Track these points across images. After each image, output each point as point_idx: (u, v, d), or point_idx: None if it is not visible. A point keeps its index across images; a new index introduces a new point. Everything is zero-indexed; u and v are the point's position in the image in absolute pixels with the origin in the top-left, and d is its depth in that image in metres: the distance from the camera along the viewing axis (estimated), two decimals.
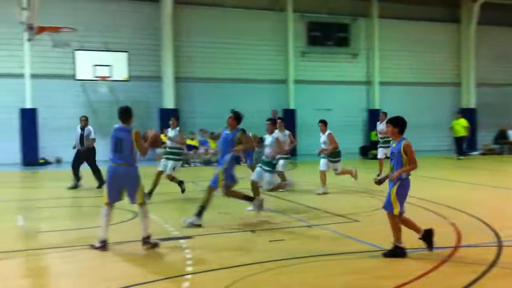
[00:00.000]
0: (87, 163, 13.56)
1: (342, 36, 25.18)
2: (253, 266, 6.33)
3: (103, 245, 7.21)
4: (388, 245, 7.17)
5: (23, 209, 10.93)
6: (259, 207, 9.43)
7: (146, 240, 7.28)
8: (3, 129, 20.10)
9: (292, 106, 23.61)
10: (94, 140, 13.68)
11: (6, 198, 12.32)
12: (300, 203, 11.05)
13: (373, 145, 21.05)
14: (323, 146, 12.75)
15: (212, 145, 20.39)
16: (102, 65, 19.83)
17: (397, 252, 6.74)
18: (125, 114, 7.55)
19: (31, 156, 19.93)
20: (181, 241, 7.66)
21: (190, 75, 22.67)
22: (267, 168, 10.64)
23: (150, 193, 11.27)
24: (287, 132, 12.95)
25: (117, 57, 20.18)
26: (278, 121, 12.70)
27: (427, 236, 6.80)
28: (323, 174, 12.51)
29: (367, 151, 22.56)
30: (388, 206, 6.81)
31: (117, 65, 20.04)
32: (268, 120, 12.06)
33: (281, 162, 12.51)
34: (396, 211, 6.72)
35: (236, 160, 9.51)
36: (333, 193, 12.57)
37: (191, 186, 13.92)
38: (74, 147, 13.72)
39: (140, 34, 21.86)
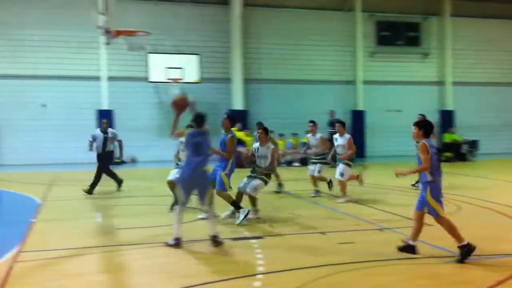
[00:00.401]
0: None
1: (412, 35, 24.66)
2: (323, 268, 6.36)
3: (177, 243, 7.48)
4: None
5: (101, 207, 11.42)
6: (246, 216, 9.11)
7: (214, 239, 7.58)
8: (81, 130, 21.04)
9: (360, 107, 23.36)
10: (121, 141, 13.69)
11: (84, 196, 12.90)
12: (370, 206, 10.95)
13: (446, 147, 20.50)
14: (339, 150, 11.72)
15: (281, 146, 20.48)
16: (174, 68, 20.38)
17: (464, 251, 6.61)
18: (201, 119, 7.99)
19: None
20: (252, 241, 7.79)
21: (258, 76, 22.91)
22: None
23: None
24: (318, 135, 12.37)
25: (188, 60, 20.69)
26: (310, 124, 12.20)
27: (467, 251, 6.64)
28: (342, 183, 11.55)
29: (440, 153, 21.98)
30: (432, 212, 6.78)
31: (188, 68, 20.55)
32: (311, 122, 12.17)
33: (311, 167, 12.35)
34: (441, 213, 6.77)
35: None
36: (403, 195, 12.36)
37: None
38: (91, 150, 13.43)
39: (210, 36, 22.31)
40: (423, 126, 6.87)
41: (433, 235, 8.21)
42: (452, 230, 6.79)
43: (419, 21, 24.64)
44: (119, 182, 13.53)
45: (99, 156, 13.37)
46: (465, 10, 24.72)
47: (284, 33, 23.09)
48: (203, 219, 8.91)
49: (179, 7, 22.05)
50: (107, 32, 13.96)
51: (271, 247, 7.50)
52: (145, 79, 20.63)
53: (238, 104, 21.88)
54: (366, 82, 23.71)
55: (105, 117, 20.69)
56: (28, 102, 20.88)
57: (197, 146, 7.73)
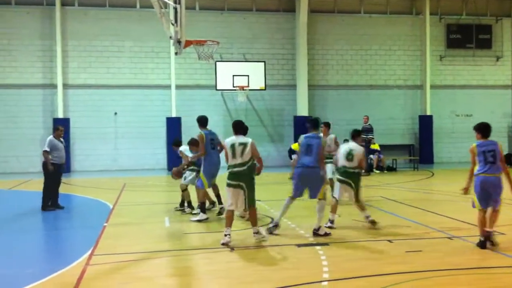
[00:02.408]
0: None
1: (483, 37, 23.84)
2: (389, 276, 6.28)
3: (275, 225, 8.69)
4: None
5: (169, 212, 11.73)
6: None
7: (315, 232, 8.48)
8: (152, 137, 21.74)
9: (428, 112, 22.80)
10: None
11: (154, 201, 13.30)
12: (438, 213, 10.68)
13: None
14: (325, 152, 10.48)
15: None
16: (241, 75, 20.66)
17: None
18: (315, 123, 8.97)
19: (177, 162, 21.23)
20: (317, 247, 7.78)
21: (323, 82, 22.83)
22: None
23: None
24: (332, 136, 11.70)
25: (254, 67, 20.93)
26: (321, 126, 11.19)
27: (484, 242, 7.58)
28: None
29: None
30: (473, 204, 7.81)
31: (254, 75, 20.77)
32: (324, 123, 11.66)
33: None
34: (477, 206, 7.76)
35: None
36: (466, 202, 11.95)
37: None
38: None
39: (276, 44, 22.47)
40: (479, 130, 8.06)
41: (506, 244, 7.94)
42: (491, 221, 7.68)
43: (491, 23, 23.82)
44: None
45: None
46: None
47: (350, 39, 22.92)
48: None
49: (246, 16, 22.35)
50: (178, 42, 14.33)
51: (336, 254, 7.47)
52: (213, 87, 21.03)
53: (302, 110, 21.89)
54: (434, 87, 23.13)
55: (173, 124, 21.40)
56: (102, 110, 21.74)
57: (308, 147, 8.57)
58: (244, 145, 8.35)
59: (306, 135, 8.81)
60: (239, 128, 8.62)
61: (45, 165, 11.62)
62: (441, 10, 23.32)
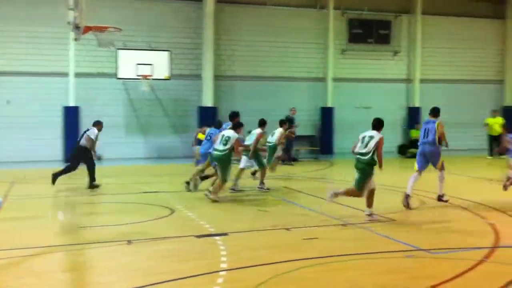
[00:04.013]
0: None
1: (383, 33, 24.84)
2: (286, 263, 6.38)
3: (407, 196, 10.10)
4: (424, 245, 7.14)
5: (64, 205, 11.25)
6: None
7: (440, 199, 10.43)
8: (47, 127, 20.69)
9: (330, 104, 23.48)
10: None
11: (49, 194, 12.69)
12: (336, 202, 11.00)
13: (413, 144, 20.76)
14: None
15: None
16: (144, 64, 20.15)
17: None
18: (437, 111, 11.26)
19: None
20: (217, 237, 7.77)
21: (230, 73, 22.82)
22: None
23: None
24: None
25: (159, 56, 20.47)
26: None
27: None
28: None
29: (406, 149, 22.24)
30: None
31: (158, 64, 20.33)
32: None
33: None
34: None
35: None
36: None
37: (228, 183, 14.04)
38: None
39: (182, 33, 22.11)
40: None
41: (396, 230, 8.33)
42: None
43: (390, 19, 24.86)
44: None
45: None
46: (435, 9, 24.95)
47: (257, 30, 23.02)
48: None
49: (151, 3, 21.82)
50: (77, 27, 13.69)
51: (235, 243, 7.50)
52: (114, 75, 20.37)
53: (208, 100, 21.74)
54: (336, 79, 23.79)
55: (71, 114, 20.52)
56: None
57: (426, 130, 10.66)
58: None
59: (426, 120, 11.26)
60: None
61: None
62: (344, 5, 23.96)
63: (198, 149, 14.03)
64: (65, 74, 20.63)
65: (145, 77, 20.08)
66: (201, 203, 10.94)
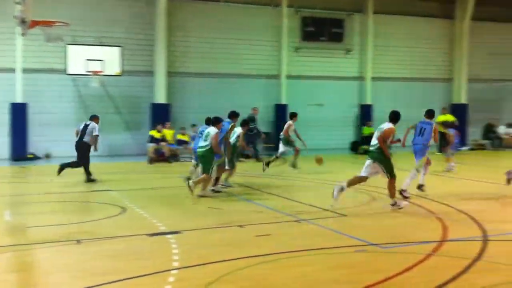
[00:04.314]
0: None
1: (336, 31, 25.11)
2: (239, 260, 6.36)
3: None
4: (375, 240, 7.24)
5: (11, 204, 10.89)
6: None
7: (402, 193, 10.62)
8: None
9: (284, 101, 23.58)
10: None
11: None
12: (289, 198, 11.06)
13: (364, 140, 21.09)
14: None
15: None
16: (95, 60, 19.72)
17: None
18: (432, 113, 11.97)
19: (20, 151, 19.80)
20: (168, 236, 7.66)
21: (183, 70, 22.60)
22: None
23: None
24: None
25: (110, 52, 20.08)
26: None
27: None
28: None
29: (358, 146, 22.59)
30: None
31: (109, 60, 19.94)
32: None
33: None
34: None
35: None
36: (320, 187, 12.59)
37: (181, 181, 13.92)
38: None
39: (134, 28, 21.74)
40: None
41: (348, 225, 8.43)
42: None
43: (343, 18, 25.15)
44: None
45: None
46: (386, 8, 25.40)
47: (211, 27, 22.86)
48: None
49: None
50: (23, 22, 13.28)
51: (187, 241, 7.42)
52: (63, 71, 19.85)
53: (160, 97, 21.47)
54: (290, 77, 23.92)
55: (18, 111, 19.86)
56: None
57: (422, 129, 11.21)
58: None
59: (422, 120, 11.77)
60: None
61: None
62: (297, 3, 24.09)
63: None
64: (11, 70, 19.96)
65: (95, 73, 19.68)
66: (153, 202, 10.80)
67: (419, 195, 11.08)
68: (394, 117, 10.00)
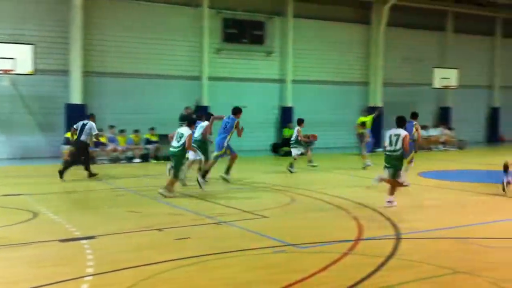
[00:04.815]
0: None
1: (257, 33, 25.30)
2: (158, 265, 6.23)
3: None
4: (293, 240, 7.32)
5: None
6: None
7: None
8: None
9: (206, 103, 23.47)
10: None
11: None
12: (209, 200, 10.99)
13: (285, 142, 21.39)
14: None
15: (121, 142, 19.85)
16: (5, 58, 18.73)
17: None
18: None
19: None
20: (83, 241, 7.38)
21: (100, 69, 21.94)
22: None
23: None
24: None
25: (21, 50, 19.12)
26: None
27: None
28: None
29: (279, 148, 22.88)
30: None
31: (21, 58, 18.98)
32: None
33: None
34: None
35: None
36: (240, 189, 12.64)
37: (99, 184, 13.52)
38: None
39: (48, 26, 20.84)
40: None
41: (267, 226, 8.48)
42: None
43: (264, 20, 25.39)
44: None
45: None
46: (306, 12, 25.86)
47: (130, 26, 22.33)
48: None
49: None
50: None
51: (103, 247, 7.18)
52: None
53: (76, 97, 20.71)
54: (211, 78, 23.83)
55: None
56: None
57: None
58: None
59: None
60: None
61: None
62: (218, 4, 24.05)
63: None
64: None
65: (6, 71, 18.71)
66: (67, 206, 10.40)
67: (335, 195, 11.33)
68: (404, 121, 10.59)
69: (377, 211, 9.53)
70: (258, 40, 25.18)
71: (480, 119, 31.37)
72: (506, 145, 29.02)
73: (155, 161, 19.49)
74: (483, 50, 31.18)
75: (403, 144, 10.02)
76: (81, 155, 14.32)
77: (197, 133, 12.89)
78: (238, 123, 13.34)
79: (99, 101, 21.50)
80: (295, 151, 16.27)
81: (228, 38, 24.45)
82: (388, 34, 27.15)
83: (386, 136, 10.42)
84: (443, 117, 29.10)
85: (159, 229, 8.14)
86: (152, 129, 20.47)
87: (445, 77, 27.00)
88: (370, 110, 25.18)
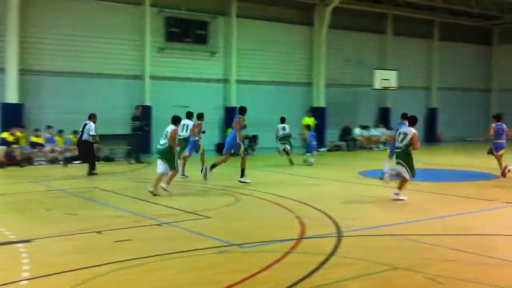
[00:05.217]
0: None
1: (201, 33, 25.13)
2: (97, 268, 6.08)
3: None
4: (236, 240, 7.30)
5: None
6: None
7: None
8: None
9: (147, 102, 23.10)
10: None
11: None
12: (150, 201, 10.81)
13: None
14: None
15: (60, 143, 19.26)
16: None
17: None
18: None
19: None
20: (19, 245, 7.10)
21: (38, 68, 21.23)
22: None
23: None
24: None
25: None
26: None
27: None
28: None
29: (223, 147, 22.77)
30: None
31: None
32: None
33: None
34: None
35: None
36: (182, 189, 12.52)
37: (36, 186, 13.09)
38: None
39: None
40: None
41: (210, 227, 8.42)
42: None
43: (208, 20, 25.24)
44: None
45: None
46: (250, 12, 25.93)
47: (70, 24, 21.70)
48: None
49: None
50: None
51: (39, 250, 6.94)
52: None
53: (11, 96, 19.95)
54: (153, 78, 23.49)
55: None
56: None
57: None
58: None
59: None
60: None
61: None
62: (161, 2, 23.74)
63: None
64: None
65: None
66: (2, 209, 9.99)
67: (279, 195, 11.39)
68: (414, 120, 11.34)
69: (320, 210, 9.63)
70: (201, 39, 25.01)
71: (419, 120, 32.28)
72: (443, 145, 30.06)
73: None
74: (422, 52, 32.22)
75: (411, 141, 10.74)
76: (86, 152, 15.45)
77: (182, 131, 13.88)
78: (241, 120, 13.74)
79: (37, 101, 20.83)
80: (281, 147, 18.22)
81: (171, 37, 24.17)
82: (330, 35, 27.57)
83: (397, 133, 11.40)
84: (383, 118, 29.81)
85: (99, 232, 7.93)
86: None
87: (385, 79, 27.65)
88: (314, 111, 25.57)
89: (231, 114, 24.91)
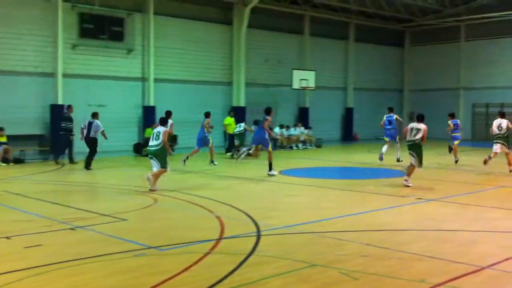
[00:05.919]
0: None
1: (117, 30, 24.43)
2: (5, 275, 5.75)
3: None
4: (154, 243, 7.13)
5: None
6: None
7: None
8: None
9: (60, 101, 22.13)
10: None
11: None
12: (63, 204, 10.37)
13: (147, 142, 20.92)
14: None
15: None
16: None
17: None
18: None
19: None
20: None
21: None
22: None
23: None
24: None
25: None
26: None
27: None
28: None
29: (142, 148, 22.30)
30: None
31: None
32: None
33: None
34: None
35: None
36: (96, 191, 12.14)
37: None
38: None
39: None
40: None
41: (127, 229, 8.18)
42: None
43: (123, 17, 24.57)
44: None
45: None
46: (167, 10, 25.50)
47: None
48: None
49: None
50: None
51: None
52: None
53: None
54: (67, 75, 22.56)
55: None
56: None
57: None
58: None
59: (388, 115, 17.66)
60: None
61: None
62: None
63: None
64: None
65: None
66: None
67: (199, 195, 11.28)
68: (422, 117, 12.91)
69: (240, 210, 9.62)
70: (117, 36, 24.33)
71: (336, 119, 33.23)
72: (359, 143, 31.04)
73: (4, 164, 18.01)
74: (339, 53, 33.10)
75: (422, 135, 12.40)
76: (92, 148, 16.66)
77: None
78: (267, 120, 15.31)
79: None
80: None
81: (85, 33, 23.29)
82: (250, 35, 27.72)
83: (408, 128, 12.80)
84: (302, 117, 30.35)
85: (7, 237, 7.50)
86: (0, 129, 18.89)
87: (304, 79, 28.17)
88: (235, 110, 25.55)
89: (150, 113, 24.50)
